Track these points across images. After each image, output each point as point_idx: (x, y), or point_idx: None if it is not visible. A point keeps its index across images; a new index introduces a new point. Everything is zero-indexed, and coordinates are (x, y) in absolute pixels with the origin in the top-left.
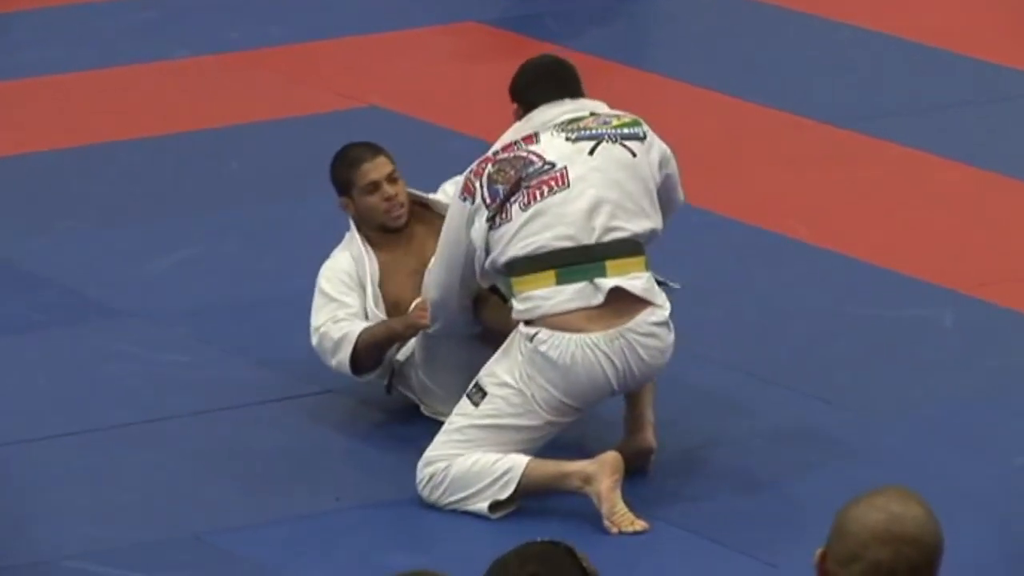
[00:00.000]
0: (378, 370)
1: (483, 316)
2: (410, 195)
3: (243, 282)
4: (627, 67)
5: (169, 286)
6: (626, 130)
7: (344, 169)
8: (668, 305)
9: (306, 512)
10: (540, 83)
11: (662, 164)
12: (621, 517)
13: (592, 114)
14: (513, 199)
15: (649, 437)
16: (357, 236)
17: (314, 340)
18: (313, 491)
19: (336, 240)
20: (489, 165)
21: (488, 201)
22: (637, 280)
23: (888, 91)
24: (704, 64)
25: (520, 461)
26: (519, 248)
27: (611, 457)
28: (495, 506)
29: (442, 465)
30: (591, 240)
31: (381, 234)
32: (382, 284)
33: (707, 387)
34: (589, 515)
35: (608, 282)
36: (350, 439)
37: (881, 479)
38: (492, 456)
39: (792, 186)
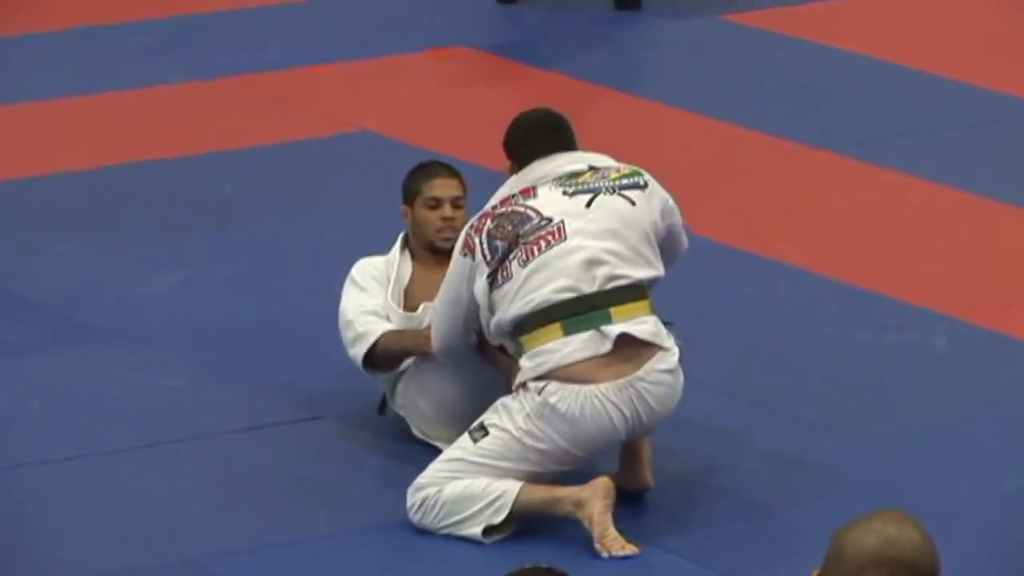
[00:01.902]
0: (388, 374)
1: (488, 353)
2: None
3: (237, 305)
4: (620, 92)
5: (163, 309)
6: (625, 180)
7: (416, 177)
8: (676, 348)
9: (298, 536)
10: (534, 139)
11: (664, 214)
12: (612, 540)
13: (591, 168)
14: (512, 256)
15: (646, 476)
16: (399, 244)
17: (341, 320)
18: (305, 515)
19: (327, 263)
20: (488, 221)
21: (488, 258)
22: (644, 324)
23: (882, 116)
24: (697, 89)
25: (512, 486)
26: (522, 306)
27: (602, 482)
28: (489, 530)
29: (433, 490)
30: (592, 289)
31: (426, 253)
32: (407, 289)
33: (702, 411)
34: (583, 539)
35: (615, 329)
36: (343, 463)
37: (875, 502)
38: (484, 480)
39: (786, 211)
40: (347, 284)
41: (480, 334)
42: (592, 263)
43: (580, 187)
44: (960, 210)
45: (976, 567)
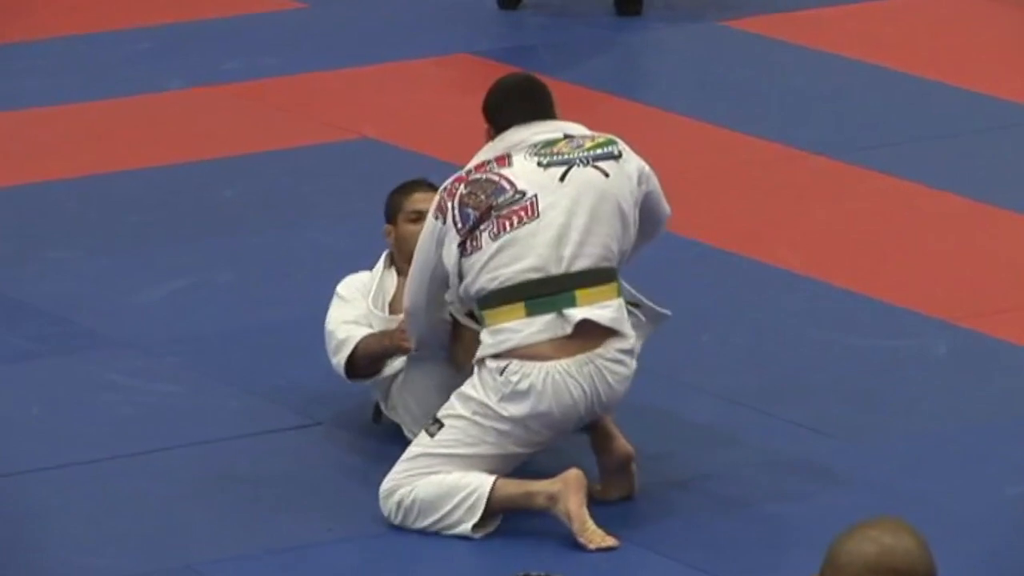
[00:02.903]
0: (370, 380)
1: (455, 353)
2: None
3: (235, 312)
4: (619, 98)
5: (161, 316)
6: (600, 151)
7: (396, 196)
8: (634, 334)
9: (297, 542)
10: (512, 103)
11: (641, 180)
12: (592, 533)
13: (566, 136)
14: (483, 227)
15: (623, 442)
16: (384, 260)
17: (325, 336)
18: (304, 521)
19: (326, 270)
20: (461, 186)
21: (459, 225)
22: (606, 309)
23: (880, 122)
24: (697, 95)
25: (485, 483)
26: (488, 280)
27: (574, 475)
28: (476, 525)
29: (406, 490)
30: (560, 270)
31: (409, 267)
32: (391, 304)
33: (698, 416)
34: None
35: (577, 313)
36: (341, 470)
37: (872, 508)
38: (455, 475)
39: (784, 217)
40: (333, 300)
41: (453, 326)
42: (561, 240)
43: (555, 158)
44: (959, 216)
45: (973, 574)
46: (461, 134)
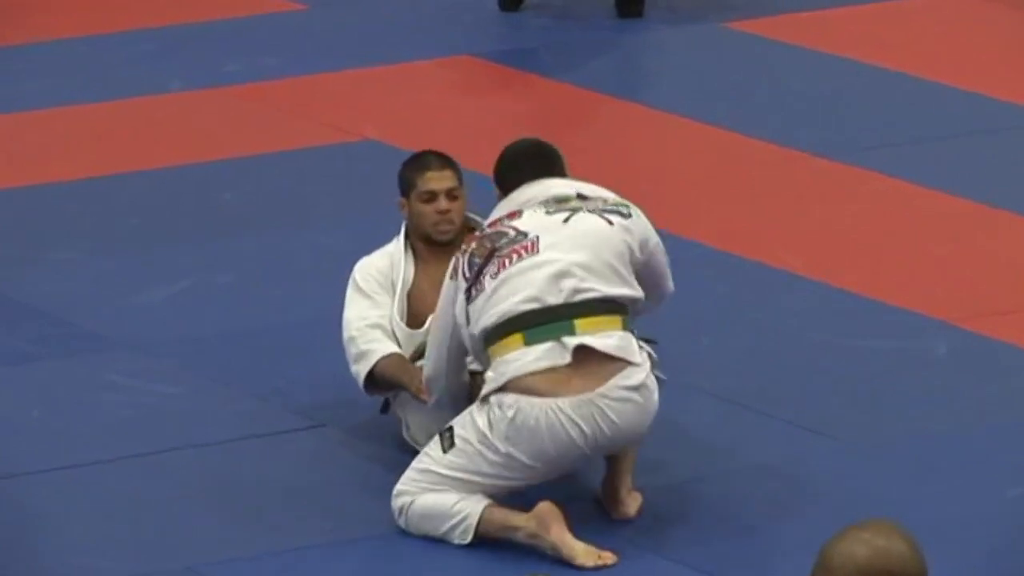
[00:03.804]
0: (386, 395)
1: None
2: (466, 218)
3: (236, 314)
4: (621, 100)
5: (162, 318)
6: (610, 206)
7: (410, 170)
8: (647, 363)
9: (299, 545)
10: (519, 166)
11: (643, 246)
12: (586, 556)
13: (579, 196)
14: (486, 270)
15: (624, 508)
16: (402, 241)
17: (344, 335)
18: (306, 524)
19: (327, 272)
20: (473, 243)
21: (467, 275)
22: (609, 339)
23: (880, 123)
24: (698, 97)
25: (476, 509)
26: (488, 317)
27: (546, 508)
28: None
29: (407, 500)
30: (559, 301)
31: (426, 246)
32: (411, 293)
33: (698, 417)
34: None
35: (575, 340)
36: (343, 472)
37: (873, 510)
38: (452, 497)
39: (786, 219)
40: (350, 289)
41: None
42: (560, 275)
43: (563, 208)
44: (961, 217)
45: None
46: (463, 135)
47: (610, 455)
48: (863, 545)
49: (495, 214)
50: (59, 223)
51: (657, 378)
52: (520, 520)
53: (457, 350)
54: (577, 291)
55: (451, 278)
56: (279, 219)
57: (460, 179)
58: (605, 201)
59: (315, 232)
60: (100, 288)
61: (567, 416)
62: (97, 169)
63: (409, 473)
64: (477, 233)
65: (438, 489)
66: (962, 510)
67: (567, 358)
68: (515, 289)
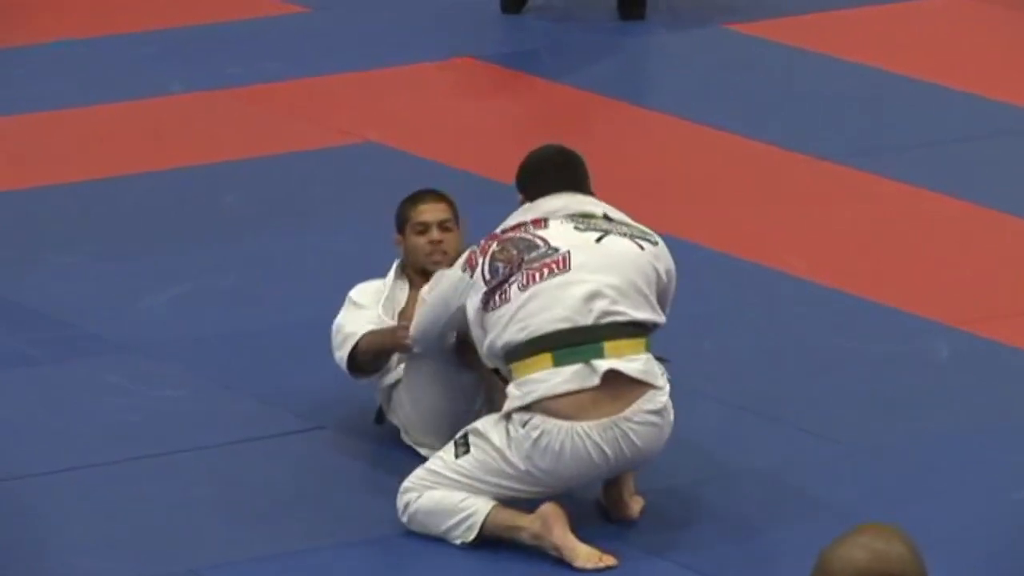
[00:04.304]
0: (374, 376)
1: (466, 356)
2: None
3: (239, 317)
4: (623, 102)
5: (165, 320)
6: (638, 232)
7: (405, 206)
8: (667, 386)
9: (300, 547)
10: (545, 174)
11: (668, 274)
12: (587, 558)
13: (606, 216)
14: (512, 280)
15: (626, 511)
16: (395, 269)
17: (333, 332)
18: (307, 526)
19: (330, 274)
20: (495, 243)
21: (487, 278)
22: (634, 362)
23: (885, 127)
24: (700, 99)
25: (483, 507)
26: (515, 332)
27: (550, 509)
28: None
29: (414, 496)
30: (588, 322)
31: (421, 277)
32: (403, 312)
33: (701, 421)
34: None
35: (604, 364)
36: (344, 474)
37: (877, 513)
38: (458, 495)
39: (788, 222)
40: (345, 305)
41: (460, 337)
42: (592, 297)
43: (591, 225)
44: (963, 220)
45: None
46: (465, 138)
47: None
48: (862, 549)
49: (516, 217)
50: (61, 226)
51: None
52: (525, 520)
53: (449, 334)
54: (607, 313)
55: (463, 269)
56: (281, 221)
57: (455, 214)
58: (630, 227)
59: (317, 234)
60: (102, 291)
61: (593, 441)
62: (100, 171)
63: (418, 472)
64: (498, 232)
65: (442, 487)
66: (965, 513)
67: (596, 381)
68: (545, 306)
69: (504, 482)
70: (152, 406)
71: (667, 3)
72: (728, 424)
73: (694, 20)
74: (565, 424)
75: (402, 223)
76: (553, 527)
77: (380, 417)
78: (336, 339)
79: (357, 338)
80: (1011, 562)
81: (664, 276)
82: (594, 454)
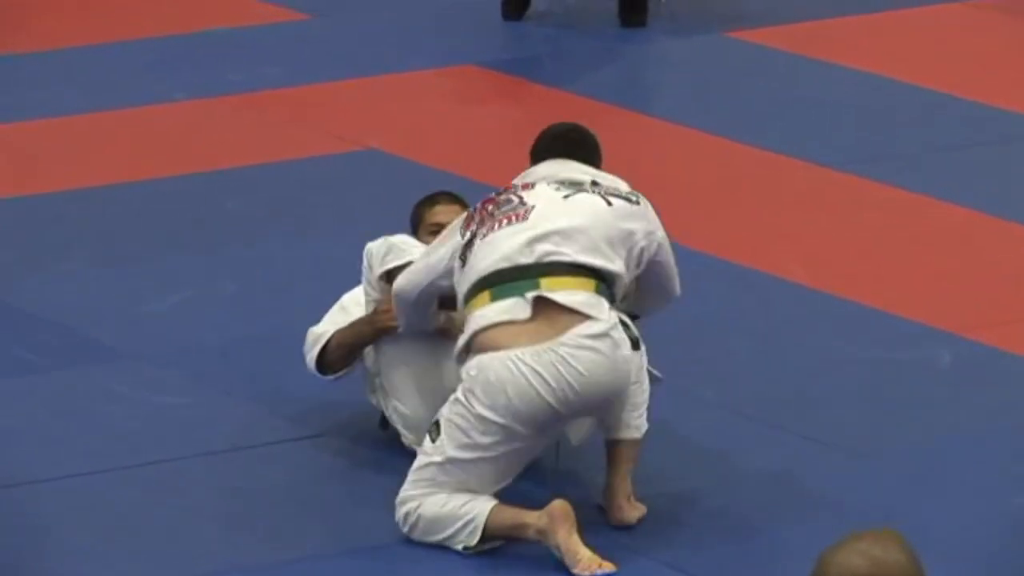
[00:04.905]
0: (343, 371)
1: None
2: None
3: (240, 323)
4: (625, 110)
5: (167, 327)
6: (615, 191)
7: (420, 207)
8: (613, 318)
9: (303, 554)
10: (549, 144)
11: (649, 236)
12: (587, 563)
13: (594, 183)
14: (478, 233)
15: (622, 515)
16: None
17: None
18: (310, 533)
19: (331, 282)
20: (491, 206)
21: (464, 237)
22: (574, 296)
23: (886, 134)
24: (702, 107)
25: (484, 509)
26: (468, 279)
27: (558, 507)
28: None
29: (414, 505)
30: (529, 261)
31: None
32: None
33: (700, 427)
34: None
35: (537, 294)
36: (345, 481)
37: (875, 520)
38: (460, 499)
39: (790, 228)
40: (332, 308)
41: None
42: (535, 240)
43: (572, 189)
44: (964, 227)
45: None
46: (467, 144)
47: (609, 462)
48: (860, 556)
49: (514, 182)
50: (63, 232)
51: (651, 375)
52: (531, 517)
53: (434, 290)
54: (548, 253)
55: (460, 230)
56: (282, 228)
57: None
58: (617, 189)
59: (318, 241)
60: (104, 297)
61: (528, 366)
62: (102, 178)
63: (409, 478)
64: (492, 195)
65: (439, 489)
66: (966, 518)
67: (527, 312)
68: (494, 250)
69: (478, 440)
70: (153, 412)
71: (668, 10)
72: (727, 429)
73: (695, 27)
74: (499, 354)
75: (416, 223)
76: (559, 526)
77: (384, 423)
78: (308, 341)
79: (327, 338)
80: (1011, 568)
81: (641, 237)
82: (534, 381)
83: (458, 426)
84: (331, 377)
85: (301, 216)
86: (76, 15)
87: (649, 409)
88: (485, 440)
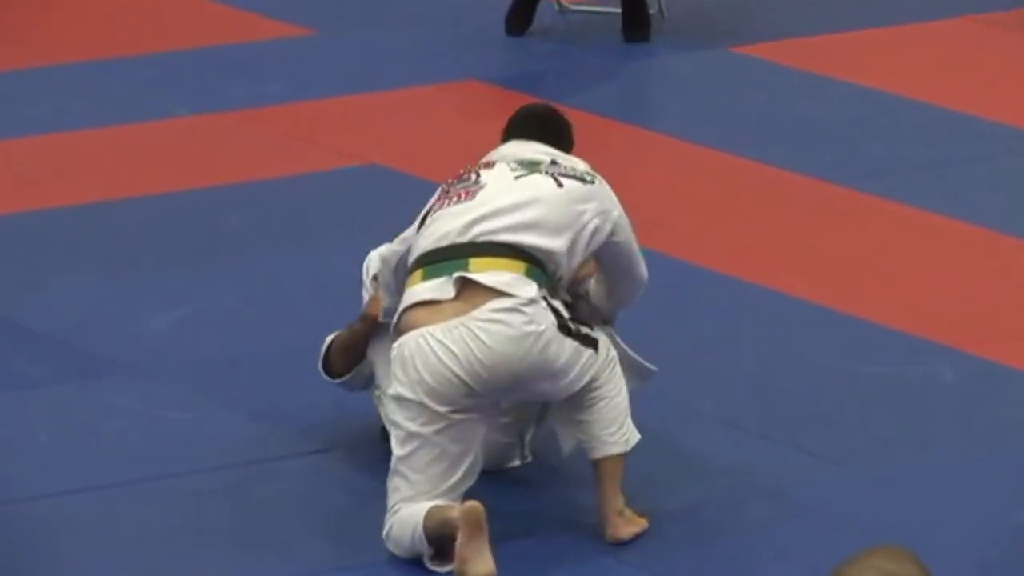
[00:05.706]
0: (348, 375)
1: None
2: None
3: (243, 338)
4: (626, 124)
5: (170, 342)
6: (571, 171)
7: None
8: (531, 295)
9: (308, 569)
10: (518, 124)
11: (605, 215)
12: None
13: (553, 162)
14: (435, 207)
15: (615, 532)
16: None
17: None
18: (314, 548)
19: (333, 297)
20: (453, 179)
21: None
22: (500, 276)
23: (889, 149)
24: (705, 122)
25: (420, 513)
26: (412, 256)
27: (467, 509)
28: (434, 558)
29: (388, 525)
30: (463, 240)
31: None
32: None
33: (700, 442)
34: (572, 558)
35: (461, 275)
36: (349, 496)
37: (877, 537)
38: (412, 508)
39: (791, 243)
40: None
41: None
42: (476, 220)
43: (527, 170)
44: (967, 242)
45: None
46: (469, 160)
47: (596, 480)
48: (874, 571)
49: (481, 160)
50: (66, 247)
51: (644, 368)
52: (453, 512)
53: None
54: (483, 233)
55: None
56: (285, 243)
57: None
58: (574, 169)
59: (321, 256)
60: (106, 313)
61: (437, 341)
62: (103, 194)
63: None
64: (462, 169)
65: (406, 504)
66: (969, 535)
67: (451, 292)
68: (435, 230)
69: (413, 438)
70: (155, 427)
71: (671, 25)
72: (728, 443)
73: (698, 42)
74: (415, 332)
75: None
76: (462, 529)
77: (385, 434)
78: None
79: (328, 343)
80: None
81: (592, 216)
82: (442, 355)
83: (393, 421)
84: (339, 382)
85: (303, 231)
86: (78, 31)
87: (638, 421)
88: (412, 427)
